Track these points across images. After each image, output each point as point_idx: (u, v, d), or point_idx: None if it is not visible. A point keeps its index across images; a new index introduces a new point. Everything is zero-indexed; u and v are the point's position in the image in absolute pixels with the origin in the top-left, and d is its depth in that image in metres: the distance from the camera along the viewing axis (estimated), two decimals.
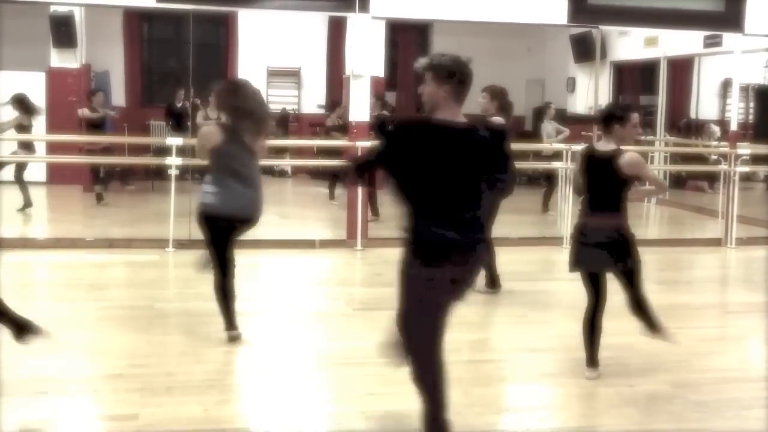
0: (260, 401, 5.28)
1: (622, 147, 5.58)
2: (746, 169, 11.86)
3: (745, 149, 11.97)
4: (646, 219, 13.39)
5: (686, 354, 6.28)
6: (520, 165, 9.92)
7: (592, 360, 5.67)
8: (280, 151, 12.95)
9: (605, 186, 5.55)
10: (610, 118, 5.58)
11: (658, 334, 5.79)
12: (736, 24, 11.00)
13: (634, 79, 17.08)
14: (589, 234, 5.59)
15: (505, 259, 9.81)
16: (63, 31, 13.77)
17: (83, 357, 5.79)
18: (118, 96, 16.00)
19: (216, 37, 17.18)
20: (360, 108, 10.16)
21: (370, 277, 9.08)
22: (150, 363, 5.71)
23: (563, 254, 10.22)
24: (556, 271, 9.83)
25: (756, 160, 13.17)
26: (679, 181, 15.08)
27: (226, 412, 4.96)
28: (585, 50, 14.94)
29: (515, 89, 15.71)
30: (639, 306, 5.72)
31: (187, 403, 4.99)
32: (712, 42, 13.26)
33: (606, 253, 5.54)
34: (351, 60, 10.23)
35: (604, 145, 5.60)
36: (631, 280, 5.65)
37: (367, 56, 10.17)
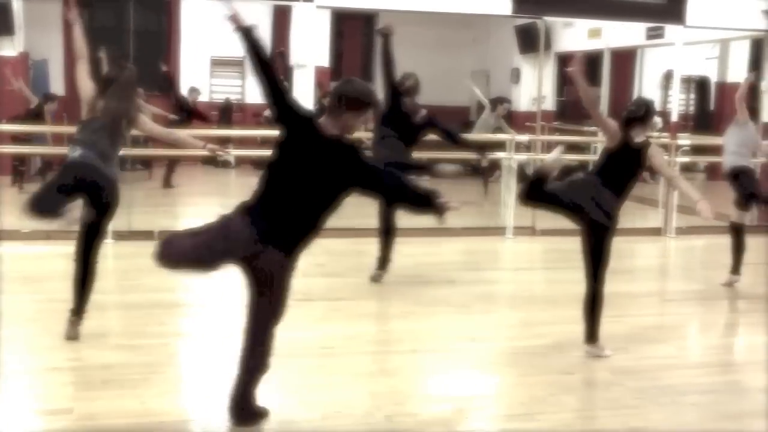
0: (198, 393, 5.21)
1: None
2: (686, 159, 12.00)
3: (686, 140, 12.12)
4: None
5: (625, 342, 6.35)
6: (459, 155, 10.04)
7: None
8: (223, 142, 12.79)
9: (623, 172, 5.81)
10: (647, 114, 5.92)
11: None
12: (678, 16, 11.15)
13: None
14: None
15: (448, 249, 9.88)
16: (0, 18, 13.46)
17: (18, 350, 5.66)
18: (57, 85, 15.69)
19: (158, 25, 16.92)
20: (305, 98, 10.08)
21: (312, 267, 9.01)
22: (86, 356, 5.60)
23: (506, 244, 10.34)
24: (500, 261, 9.91)
25: (697, 150, 13.35)
26: None
27: (163, 404, 4.89)
28: (530, 41, 15.00)
29: (461, 80, 15.83)
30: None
31: (123, 396, 4.91)
32: (654, 34, 13.40)
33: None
34: (295, 50, 10.15)
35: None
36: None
37: (311, 46, 10.11)
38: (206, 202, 11.94)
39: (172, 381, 5.43)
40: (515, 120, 15.94)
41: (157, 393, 5.01)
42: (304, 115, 4.35)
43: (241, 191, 13.28)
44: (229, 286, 7.81)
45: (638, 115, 5.89)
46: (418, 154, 8.35)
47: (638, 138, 5.85)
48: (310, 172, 4.24)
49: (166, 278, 8.20)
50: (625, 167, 5.83)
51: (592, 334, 5.91)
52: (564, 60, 16.04)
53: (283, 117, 4.31)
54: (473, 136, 11.65)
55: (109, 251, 9.03)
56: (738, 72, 15.81)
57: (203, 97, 15.30)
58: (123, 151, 8.68)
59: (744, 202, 8.36)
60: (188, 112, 13.80)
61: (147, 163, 14.56)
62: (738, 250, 8.36)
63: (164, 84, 14.49)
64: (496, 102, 13.16)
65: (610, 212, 5.72)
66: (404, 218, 10.78)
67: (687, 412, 4.96)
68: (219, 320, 6.78)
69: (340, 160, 4.29)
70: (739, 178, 8.30)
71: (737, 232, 8.41)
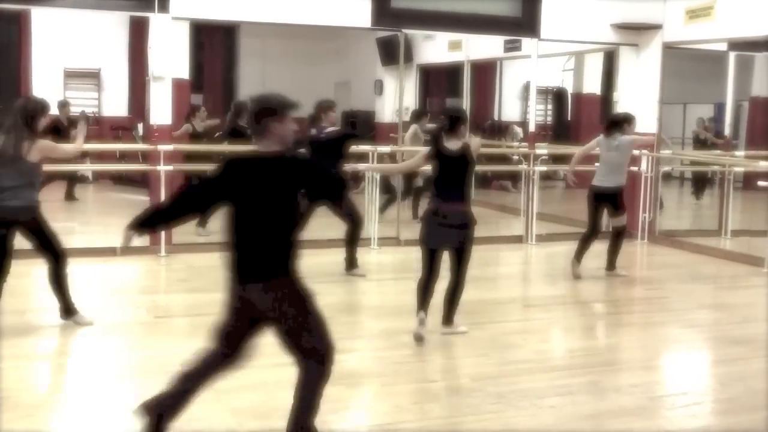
0: (56, 415, 5.00)
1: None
2: (545, 168, 12.33)
3: (543, 149, 12.45)
4: None
5: (487, 348, 6.44)
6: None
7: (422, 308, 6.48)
8: (80, 156, 12.36)
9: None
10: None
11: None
12: (533, 29, 11.44)
13: (440, 82, 17.46)
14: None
15: (312, 261, 9.79)
16: None
17: None
18: None
19: (8, 36, 16.27)
20: (162, 111, 9.86)
21: (174, 283, 8.83)
22: None
23: (371, 255, 10.36)
24: (364, 271, 9.89)
25: (556, 159, 13.75)
26: (484, 181, 15.52)
27: (19, 429, 4.65)
28: (391, 53, 15.13)
29: (324, 92, 15.79)
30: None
31: None
32: (511, 47, 13.74)
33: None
34: (152, 61, 9.92)
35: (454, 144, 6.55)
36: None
37: (168, 58, 9.89)
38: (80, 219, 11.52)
39: (30, 405, 5.16)
40: (379, 131, 16.07)
41: (10, 418, 4.77)
42: (226, 175, 4.24)
43: (99, 206, 12.87)
44: (90, 305, 7.58)
45: (445, 127, 6.64)
46: None
47: (452, 145, 6.56)
48: (263, 198, 4.17)
49: (19, 299, 7.92)
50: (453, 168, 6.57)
51: (449, 317, 6.64)
52: (427, 72, 16.28)
53: (217, 199, 4.29)
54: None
55: None
56: (593, 83, 16.41)
57: (55, 110, 14.72)
58: None
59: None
60: (59, 130, 12.99)
61: None
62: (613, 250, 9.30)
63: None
64: (420, 114, 13.18)
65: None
66: None
67: (546, 414, 5.05)
68: (80, 340, 6.56)
69: (287, 172, 4.21)
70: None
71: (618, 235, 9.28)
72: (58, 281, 6.68)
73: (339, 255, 9.68)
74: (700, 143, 14.27)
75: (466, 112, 7.97)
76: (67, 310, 6.76)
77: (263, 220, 4.19)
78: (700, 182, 14.74)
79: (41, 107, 6.46)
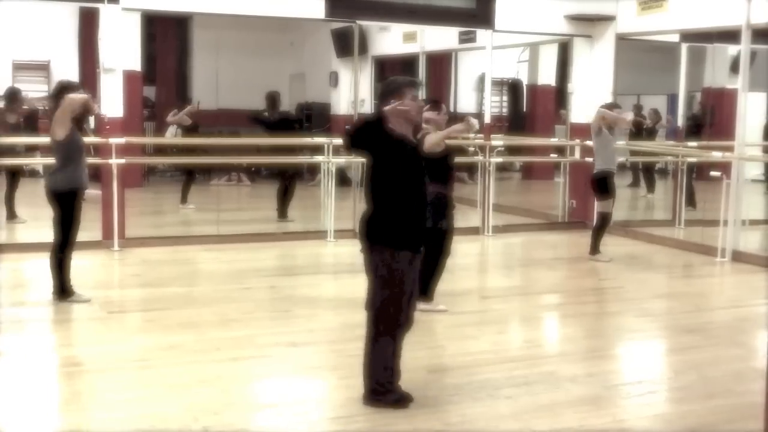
0: (6, 413, 4.89)
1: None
2: (500, 159, 12.35)
3: (499, 141, 12.47)
4: None
5: (443, 340, 6.43)
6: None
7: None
8: (30, 149, 12.14)
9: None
10: None
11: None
12: (487, 21, 11.46)
13: (395, 73, 17.32)
14: None
15: (268, 254, 9.76)
16: None
17: None
18: None
19: None
20: (114, 103, 9.72)
21: (127, 278, 8.71)
22: None
23: (328, 248, 10.31)
24: (321, 264, 9.87)
25: (512, 150, 13.79)
26: None
27: None
28: (346, 45, 15.06)
29: (279, 84, 15.71)
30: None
31: None
32: (466, 38, 13.74)
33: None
34: (103, 53, 9.77)
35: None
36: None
37: (119, 49, 9.74)
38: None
39: None
40: (334, 123, 16.03)
41: None
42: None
43: None
44: (40, 300, 7.46)
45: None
46: None
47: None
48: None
49: None
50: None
51: (428, 292, 6.98)
52: (382, 63, 16.24)
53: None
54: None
55: None
56: (547, 75, 16.48)
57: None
58: None
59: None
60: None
61: None
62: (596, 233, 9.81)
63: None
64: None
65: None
66: (223, 225, 10.67)
67: (502, 405, 5.05)
68: (31, 336, 6.46)
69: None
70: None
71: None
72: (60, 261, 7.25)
73: (294, 249, 9.66)
74: (649, 134, 14.36)
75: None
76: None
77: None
78: (650, 174, 14.83)
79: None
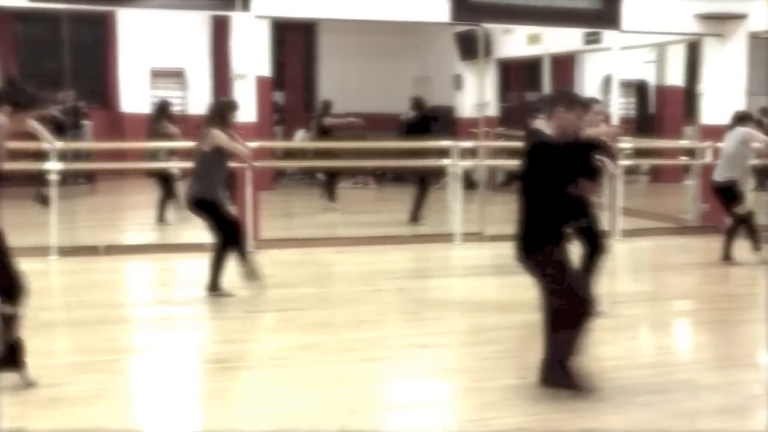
0: (151, 408, 5.13)
1: None
2: (629, 162, 12.13)
3: (627, 143, 12.24)
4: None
5: None
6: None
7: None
8: (169, 153, 12.57)
9: None
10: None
11: None
12: (613, 21, 11.29)
13: (519, 76, 17.34)
14: None
15: (397, 257, 9.87)
16: None
17: None
18: None
19: (95, 37, 16.67)
20: (247, 108, 9.97)
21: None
22: (34, 374, 5.46)
23: (455, 250, 10.35)
24: (449, 267, 9.91)
25: (639, 153, 13.55)
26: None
27: (115, 421, 4.79)
28: (470, 48, 15.06)
29: (403, 87, 15.86)
30: None
31: (74, 414, 4.80)
32: (591, 39, 13.55)
33: None
34: (235, 60, 10.07)
35: None
36: None
37: (251, 56, 10.03)
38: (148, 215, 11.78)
39: (124, 397, 5.33)
40: (460, 126, 16.02)
41: (108, 409, 4.92)
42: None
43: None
44: (175, 302, 7.75)
45: None
46: None
47: None
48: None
49: (113, 294, 8.15)
50: None
51: None
52: (506, 66, 16.18)
53: None
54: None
55: (53, 267, 8.90)
56: (675, 75, 16.12)
57: (143, 108, 14.94)
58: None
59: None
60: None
61: (90, 176, 14.40)
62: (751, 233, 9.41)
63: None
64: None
65: None
66: (352, 227, 10.84)
67: (640, 411, 4.98)
68: (167, 335, 6.70)
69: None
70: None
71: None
72: (218, 259, 7.59)
73: (422, 251, 9.73)
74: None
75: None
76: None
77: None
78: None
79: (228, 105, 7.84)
